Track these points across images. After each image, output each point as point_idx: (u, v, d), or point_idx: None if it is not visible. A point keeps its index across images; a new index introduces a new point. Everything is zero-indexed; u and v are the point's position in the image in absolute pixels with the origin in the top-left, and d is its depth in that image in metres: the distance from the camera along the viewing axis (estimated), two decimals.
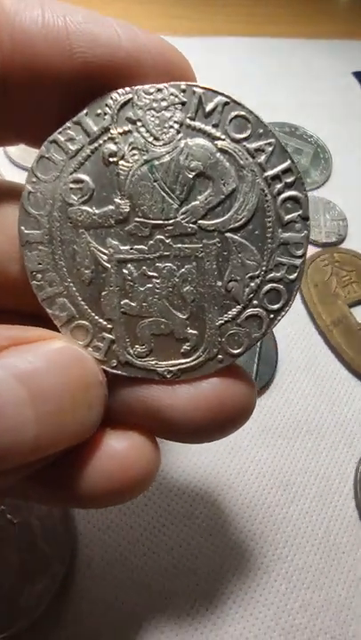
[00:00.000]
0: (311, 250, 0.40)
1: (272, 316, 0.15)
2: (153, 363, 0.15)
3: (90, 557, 0.26)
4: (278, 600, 0.26)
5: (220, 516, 0.28)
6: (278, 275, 0.15)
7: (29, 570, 0.25)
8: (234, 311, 0.15)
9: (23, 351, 0.13)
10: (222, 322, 0.15)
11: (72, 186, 0.15)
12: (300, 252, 0.15)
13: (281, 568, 0.27)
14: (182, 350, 0.15)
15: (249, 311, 0.15)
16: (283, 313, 0.15)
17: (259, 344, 0.33)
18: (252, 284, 0.15)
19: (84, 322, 0.15)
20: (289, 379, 0.34)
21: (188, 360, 0.15)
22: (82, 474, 0.15)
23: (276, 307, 0.15)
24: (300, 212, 0.15)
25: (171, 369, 0.15)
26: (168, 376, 0.15)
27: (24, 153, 0.40)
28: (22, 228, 0.15)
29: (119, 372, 0.16)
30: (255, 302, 0.15)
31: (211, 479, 0.29)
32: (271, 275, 0.15)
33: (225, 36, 0.54)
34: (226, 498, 0.29)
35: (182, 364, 0.15)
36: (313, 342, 0.36)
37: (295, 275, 0.15)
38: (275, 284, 0.15)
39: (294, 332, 0.36)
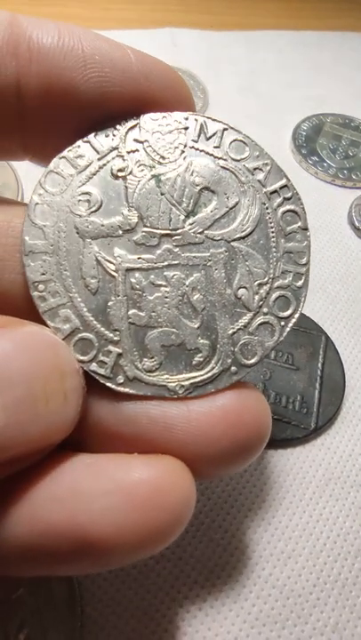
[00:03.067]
0: None
1: (283, 323, 0.15)
2: (164, 377, 0.15)
3: None
4: None
5: (277, 598, 0.21)
6: (286, 282, 0.15)
7: None
8: (245, 319, 0.15)
9: None
10: (234, 330, 0.15)
11: (80, 198, 0.15)
12: (303, 261, 0.16)
13: None
14: (194, 362, 0.15)
15: (260, 319, 0.15)
16: (293, 320, 0.15)
17: (320, 366, 0.27)
18: (261, 291, 0.15)
19: (88, 334, 0.15)
20: None
21: (200, 373, 0.15)
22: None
23: (286, 314, 0.15)
24: (299, 224, 0.16)
25: (183, 383, 0.15)
26: (180, 392, 0.15)
27: None
28: (26, 238, 0.15)
29: (127, 390, 0.14)
30: (265, 310, 0.15)
31: (263, 544, 0.22)
32: (279, 282, 0.15)
33: (268, 30, 0.50)
34: (284, 572, 0.21)
35: (195, 377, 0.15)
36: None
37: (301, 282, 0.16)
38: (283, 292, 0.15)
39: None
